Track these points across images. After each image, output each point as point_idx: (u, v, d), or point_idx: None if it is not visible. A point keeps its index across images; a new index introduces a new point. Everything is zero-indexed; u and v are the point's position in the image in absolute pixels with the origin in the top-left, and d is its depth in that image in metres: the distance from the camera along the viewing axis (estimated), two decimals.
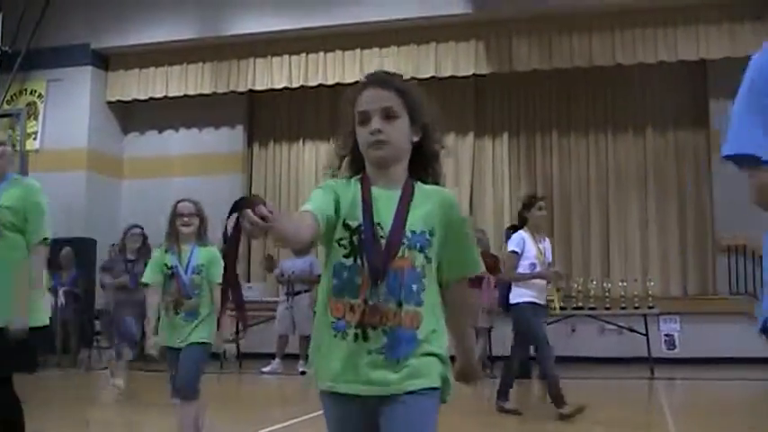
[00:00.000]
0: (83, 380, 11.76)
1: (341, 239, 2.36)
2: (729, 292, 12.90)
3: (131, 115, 15.79)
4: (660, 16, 12.71)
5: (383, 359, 2.30)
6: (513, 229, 7.74)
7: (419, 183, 2.46)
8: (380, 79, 2.47)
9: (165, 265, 5.37)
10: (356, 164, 2.48)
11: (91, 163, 14.91)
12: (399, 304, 2.31)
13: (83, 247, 13.65)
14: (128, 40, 14.71)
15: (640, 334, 11.42)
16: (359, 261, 2.33)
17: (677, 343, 12.64)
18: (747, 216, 12.84)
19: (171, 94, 14.98)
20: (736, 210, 12.65)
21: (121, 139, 15.87)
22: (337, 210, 2.35)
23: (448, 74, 13.39)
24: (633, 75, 13.72)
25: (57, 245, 13.49)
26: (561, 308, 12.54)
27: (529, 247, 7.37)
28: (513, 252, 7.39)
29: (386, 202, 2.38)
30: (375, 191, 2.40)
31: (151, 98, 15.14)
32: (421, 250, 2.36)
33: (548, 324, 11.90)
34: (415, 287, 2.34)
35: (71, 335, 12.85)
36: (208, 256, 5.34)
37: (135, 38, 14.65)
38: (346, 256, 2.34)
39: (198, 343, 5.20)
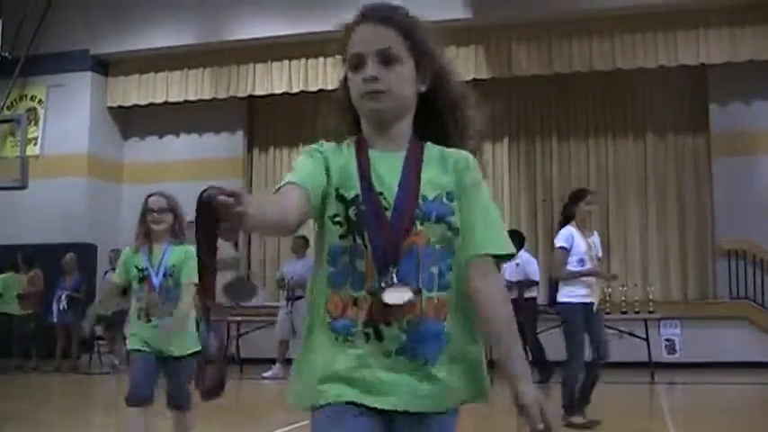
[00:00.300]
0: (84, 384, 11.75)
1: (335, 216, 1.91)
2: (730, 296, 12.90)
3: (131, 120, 15.80)
4: (660, 21, 12.73)
5: (407, 362, 1.87)
6: (561, 224, 7.33)
7: (429, 143, 2.01)
8: (378, 13, 1.99)
9: (136, 266, 4.84)
10: (352, 124, 2.06)
11: (91, 168, 14.93)
12: (418, 291, 1.87)
13: (83, 253, 13.67)
14: (127, 45, 14.73)
15: (641, 338, 11.40)
16: (359, 240, 1.89)
17: (678, 347, 12.63)
18: (747, 220, 12.87)
19: (171, 100, 15.00)
20: (736, 213, 12.70)
21: (122, 145, 15.89)
22: (328, 175, 1.93)
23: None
24: (633, 79, 13.73)
25: (59, 250, 13.68)
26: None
27: (577, 243, 7.01)
28: (562, 248, 7.01)
29: (388, 166, 1.95)
30: (373, 154, 1.97)
31: (151, 103, 15.16)
32: (440, 220, 1.91)
33: (552, 328, 11.97)
34: (436, 269, 1.90)
35: (72, 339, 12.84)
36: (181, 255, 4.82)
37: (135, 43, 14.67)
38: (343, 236, 1.90)
39: (182, 357, 4.74)
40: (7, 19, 14.15)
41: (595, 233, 7.39)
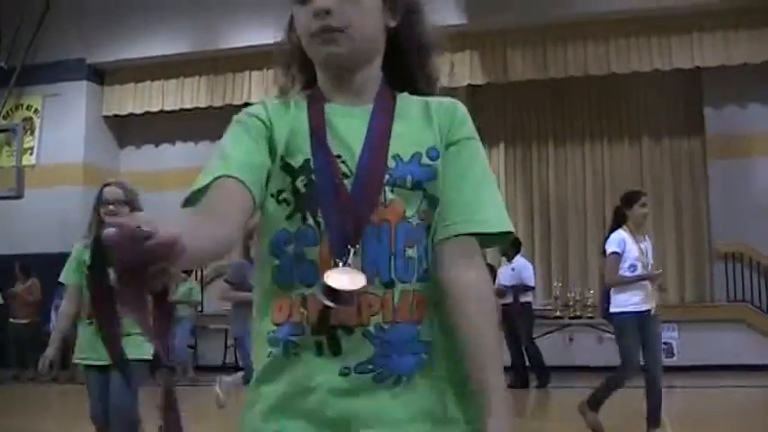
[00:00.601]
0: (82, 394, 11.71)
1: (279, 192, 1.46)
2: (727, 299, 12.91)
3: (127, 129, 15.80)
4: (654, 25, 12.74)
5: (373, 380, 1.40)
6: (611, 228, 6.93)
7: (405, 94, 1.57)
8: None
9: (85, 262, 4.03)
10: (306, 77, 1.60)
11: (87, 177, 14.90)
12: (389, 284, 1.40)
13: None
14: (123, 54, 14.73)
15: None
16: (310, 221, 1.43)
17: (675, 350, 12.62)
18: (744, 223, 12.87)
19: (167, 108, 15.00)
20: (732, 216, 12.72)
21: (118, 153, 15.88)
22: (272, 150, 1.47)
23: (443, 84, 13.38)
24: (628, 83, 13.75)
25: (56, 259, 13.62)
26: (558, 317, 12.64)
27: (630, 248, 6.60)
28: (614, 253, 6.59)
29: (349, 122, 1.49)
30: (332, 109, 1.51)
31: (147, 112, 15.15)
32: (416, 186, 1.45)
33: (548, 333, 11.96)
34: (414, 252, 1.44)
35: (69, 349, 12.80)
36: None
37: (130, 52, 14.66)
38: (290, 217, 1.44)
39: (132, 360, 3.93)
40: (3, 29, 14.17)
41: (647, 239, 6.95)
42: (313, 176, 1.45)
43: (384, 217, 1.43)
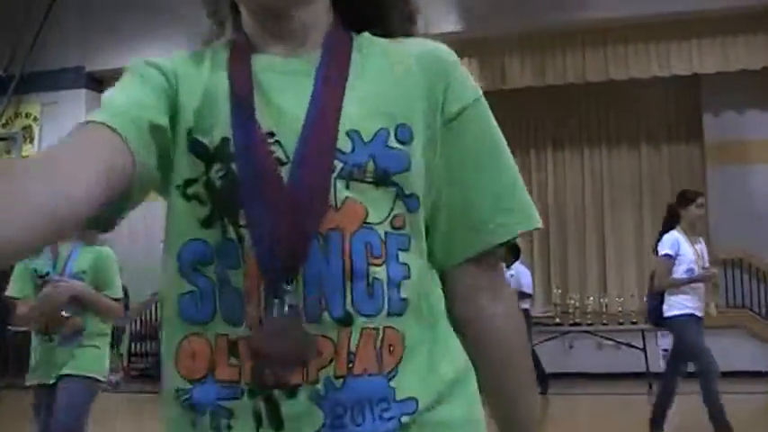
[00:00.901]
0: None
1: (188, 183, 1.01)
2: (726, 305, 12.89)
3: None
4: (652, 32, 12.75)
5: None
6: (663, 228, 6.59)
7: (365, 35, 1.13)
8: None
9: (36, 270, 3.95)
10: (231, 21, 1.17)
11: None
12: (344, 320, 0.97)
13: None
14: (122, 62, 14.54)
15: (638, 349, 11.40)
16: (230, 230, 0.99)
17: None
18: (743, 229, 12.87)
19: None
20: (731, 223, 12.71)
21: None
22: (175, 119, 1.03)
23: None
24: (626, 90, 13.76)
25: None
26: (557, 324, 12.62)
27: (684, 250, 6.31)
28: (667, 255, 6.30)
29: (288, 84, 1.04)
30: (262, 64, 1.06)
31: None
32: (381, 180, 1.00)
33: (547, 340, 11.94)
34: (382, 274, 0.99)
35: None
36: (93, 259, 3.99)
37: (129, 60, 14.50)
38: (207, 223, 1.00)
39: (77, 376, 3.89)
40: (1, 37, 14.18)
41: (702, 241, 6.66)
42: (233, 165, 0.99)
43: (334, 225, 0.97)
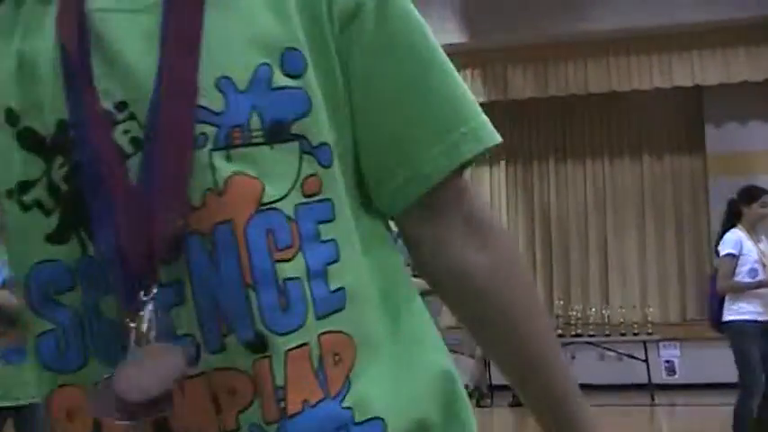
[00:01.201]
0: None
1: (23, 188, 0.76)
2: None
3: None
4: (654, 43, 12.76)
5: None
6: (724, 227, 6.22)
7: None
8: None
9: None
10: None
11: None
12: (257, 343, 0.72)
13: None
14: None
15: (640, 360, 11.38)
16: (89, 245, 0.74)
17: (677, 369, 12.59)
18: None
19: None
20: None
21: None
22: None
23: None
24: (629, 101, 13.76)
25: None
26: (559, 335, 12.58)
27: (748, 249, 5.91)
28: (730, 255, 5.91)
29: (135, 31, 0.74)
30: (98, 2, 0.76)
31: None
32: (275, 135, 0.74)
33: None
34: (297, 266, 0.74)
35: None
36: None
37: None
38: (55, 238, 0.75)
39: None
40: None
41: (765, 239, 6.16)
42: (79, 156, 0.74)
43: (221, 216, 0.72)
